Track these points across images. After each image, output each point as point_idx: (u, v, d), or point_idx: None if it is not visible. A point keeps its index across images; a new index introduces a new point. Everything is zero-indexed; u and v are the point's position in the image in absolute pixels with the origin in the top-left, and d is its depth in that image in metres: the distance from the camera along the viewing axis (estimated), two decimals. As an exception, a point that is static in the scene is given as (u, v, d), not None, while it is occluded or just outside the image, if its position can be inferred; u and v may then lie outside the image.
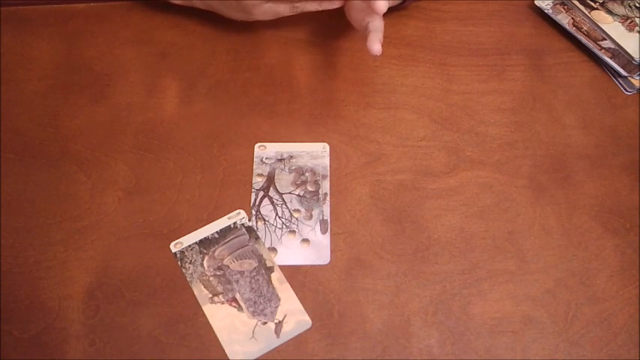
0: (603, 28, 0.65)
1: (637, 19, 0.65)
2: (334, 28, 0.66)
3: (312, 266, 0.52)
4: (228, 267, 0.51)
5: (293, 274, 0.51)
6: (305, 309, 0.50)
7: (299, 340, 0.49)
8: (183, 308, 0.50)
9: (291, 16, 0.67)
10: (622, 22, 0.65)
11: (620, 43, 0.63)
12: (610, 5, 0.67)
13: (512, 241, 0.53)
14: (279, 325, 0.49)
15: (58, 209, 0.54)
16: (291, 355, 0.48)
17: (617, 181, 0.57)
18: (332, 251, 0.53)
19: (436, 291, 0.51)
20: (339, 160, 0.57)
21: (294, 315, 0.49)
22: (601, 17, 0.66)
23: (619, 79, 0.63)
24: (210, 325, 0.49)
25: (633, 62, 0.63)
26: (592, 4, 0.67)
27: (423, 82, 0.63)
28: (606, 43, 0.64)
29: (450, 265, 0.52)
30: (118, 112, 0.60)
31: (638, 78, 0.63)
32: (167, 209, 0.54)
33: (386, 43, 0.65)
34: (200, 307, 0.50)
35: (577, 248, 0.53)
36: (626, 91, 0.62)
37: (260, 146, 0.58)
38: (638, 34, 0.64)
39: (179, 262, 0.52)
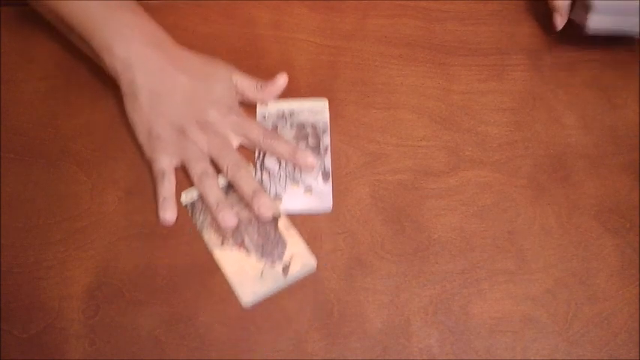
0: None
1: None
2: (334, 29, 0.66)
3: (312, 266, 0.52)
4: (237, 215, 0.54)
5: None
6: (310, 252, 0.52)
7: (299, 340, 0.49)
8: (183, 308, 0.50)
9: (293, 16, 0.67)
10: None
11: None
12: None
13: (512, 241, 0.53)
14: (286, 267, 0.51)
15: (58, 209, 0.54)
16: (291, 355, 0.48)
17: (617, 181, 0.57)
18: (332, 251, 0.53)
19: (436, 291, 0.51)
20: (339, 160, 0.57)
21: (300, 257, 0.52)
22: None
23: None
24: (212, 325, 0.49)
25: None
26: None
27: (423, 82, 0.63)
28: None
29: (449, 265, 0.52)
30: (118, 112, 0.60)
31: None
32: (167, 209, 0.54)
33: (386, 43, 0.65)
34: (200, 307, 0.50)
35: (577, 248, 0.53)
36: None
37: (261, 105, 0.60)
38: None
39: (189, 213, 0.54)
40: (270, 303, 0.50)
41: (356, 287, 0.51)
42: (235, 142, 0.57)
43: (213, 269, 0.51)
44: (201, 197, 0.54)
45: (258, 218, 0.53)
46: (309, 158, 0.56)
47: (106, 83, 0.62)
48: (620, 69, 0.64)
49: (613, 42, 0.65)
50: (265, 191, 0.54)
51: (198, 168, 0.54)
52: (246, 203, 0.54)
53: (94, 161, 0.57)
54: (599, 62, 0.65)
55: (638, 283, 0.52)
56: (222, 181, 0.55)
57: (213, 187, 0.54)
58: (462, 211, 0.55)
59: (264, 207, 0.53)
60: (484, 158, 0.58)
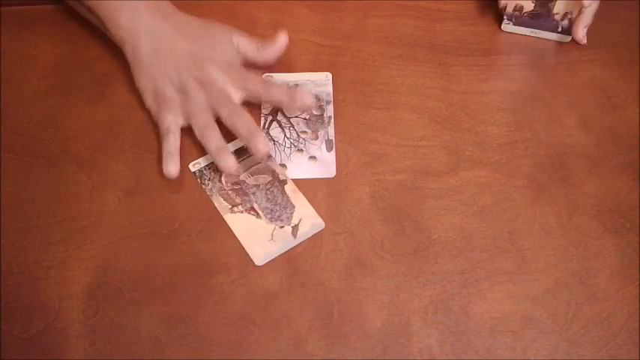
0: None
1: None
2: (334, 29, 0.66)
3: (311, 261, 0.52)
4: (245, 182, 0.55)
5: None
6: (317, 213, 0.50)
7: (299, 340, 0.49)
8: (183, 308, 0.50)
9: (293, 16, 0.67)
10: None
11: None
12: None
13: (512, 241, 0.53)
14: (295, 228, 0.53)
15: (58, 209, 0.54)
16: (291, 355, 0.48)
17: (617, 181, 0.57)
18: (332, 251, 0.53)
19: (436, 291, 0.51)
20: (339, 161, 0.57)
21: (308, 219, 0.54)
22: None
23: None
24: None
25: None
26: None
27: (423, 82, 0.63)
28: None
29: (449, 265, 0.52)
30: (118, 112, 0.60)
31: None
32: (167, 209, 0.54)
33: (386, 43, 0.66)
34: (200, 307, 0.50)
35: (577, 248, 0.53)
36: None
37: (267, 76, 0.62)
38: None
39: (198, 180, 0.56)
40: (271, 303, 0.50)
41: (356, 287, 0.51)
42: (236, 96, 0.58)
43: (213, 269, 0.52)
44: (204, 147, 0.55)
45: (255, 157, 0.55)
46: (307, 98, 0.56)
47: (106, 83, 0.62)
48: (620, 69, 0.64)
49: (613, 42, 0.65)
50: (262, 132, 0.56)
51: (201, 121, 0.56)
52: (244, 145, 0.56)
53: (94, 161, 0.57)
54: (599, 62, 0.65)
55: (638, 283, 0.52)
56: (231, 147, 0.57)
57: (214, 137, 0.55)
58: (462, 211, 0.55)
59: (260, 144, 0.54)
60: (484, 158, 0.58)
